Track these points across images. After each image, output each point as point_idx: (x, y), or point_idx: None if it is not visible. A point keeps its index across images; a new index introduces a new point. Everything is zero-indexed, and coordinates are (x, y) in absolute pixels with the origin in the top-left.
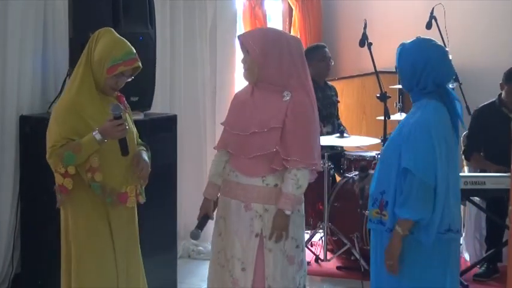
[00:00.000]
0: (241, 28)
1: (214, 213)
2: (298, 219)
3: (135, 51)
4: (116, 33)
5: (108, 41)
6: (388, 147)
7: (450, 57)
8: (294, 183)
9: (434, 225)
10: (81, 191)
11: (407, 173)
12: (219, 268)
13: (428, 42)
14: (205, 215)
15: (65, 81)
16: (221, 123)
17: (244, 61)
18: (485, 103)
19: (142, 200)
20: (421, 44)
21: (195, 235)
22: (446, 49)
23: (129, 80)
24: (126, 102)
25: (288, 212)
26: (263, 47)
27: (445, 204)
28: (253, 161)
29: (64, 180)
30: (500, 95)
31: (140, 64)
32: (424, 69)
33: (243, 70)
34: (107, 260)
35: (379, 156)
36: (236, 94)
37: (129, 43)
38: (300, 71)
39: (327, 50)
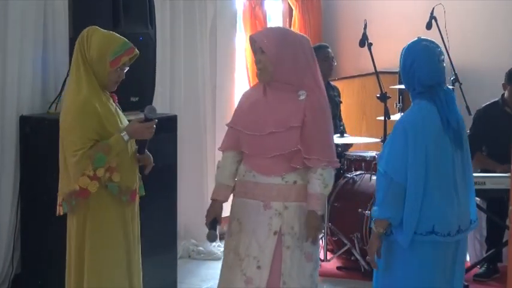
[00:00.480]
0: (241, 28)
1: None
2: None
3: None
4: (102, 29)
5: (101, 37)
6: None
7: (442, 57)
8: (320, 183)
9: (410, 226)
10: (101, 191)
11: (384, 172)
12: (226, 269)
13: (419, 43)
14: (215, 219)
15: (65, 81)
16: (226, 124)
17: (258, 61)
18: (488, 103)
19: (142, 192)
20: (412, 45)
21: (213, 236)
22: (439, 49)
23: (126, 70)
24: (117, 102)
25: (320, 213)
26: (278, 47)
27: (423, 205)
28: (273, 160)
29: (90, 182)
30: (503, 95)
31: (137, 51)
32: (410, 69)
33: (256, 70)
34: (122, 260)
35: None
36: (245, 94)
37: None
38: (314, 70)
39: (329, 50)
